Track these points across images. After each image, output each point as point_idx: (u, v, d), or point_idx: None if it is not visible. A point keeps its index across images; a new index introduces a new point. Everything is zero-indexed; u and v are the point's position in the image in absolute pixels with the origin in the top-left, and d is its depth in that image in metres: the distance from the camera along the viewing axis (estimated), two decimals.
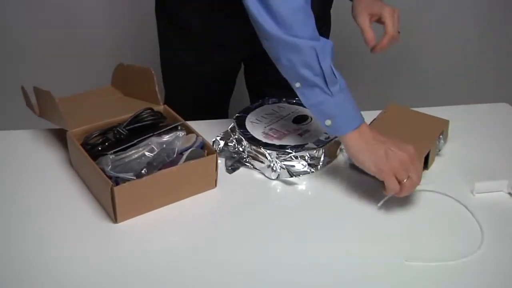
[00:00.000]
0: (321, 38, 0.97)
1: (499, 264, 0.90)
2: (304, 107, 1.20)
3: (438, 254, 0.90)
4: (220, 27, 1.22)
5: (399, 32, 1.16)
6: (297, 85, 0.98)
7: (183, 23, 1.25)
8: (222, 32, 1.23)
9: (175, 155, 1.00)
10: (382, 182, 0.96)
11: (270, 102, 1.23)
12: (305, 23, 0.95)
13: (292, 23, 0.94)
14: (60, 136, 1.13)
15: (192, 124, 1.08)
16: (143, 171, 0.97)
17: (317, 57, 0.95)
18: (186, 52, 1.30)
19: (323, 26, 1.24)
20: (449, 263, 0.89)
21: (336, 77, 0.97)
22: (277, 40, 0.95)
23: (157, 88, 1.12)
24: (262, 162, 1.08)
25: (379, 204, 0.99)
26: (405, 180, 0.94)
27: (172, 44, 1.32)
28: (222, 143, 1.13)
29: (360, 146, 0.97)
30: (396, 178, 0.95)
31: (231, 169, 1.09)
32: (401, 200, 1.01)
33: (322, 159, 1.09)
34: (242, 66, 1.43)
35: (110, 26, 1.98)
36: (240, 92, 1.50)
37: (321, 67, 0.95)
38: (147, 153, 1.01)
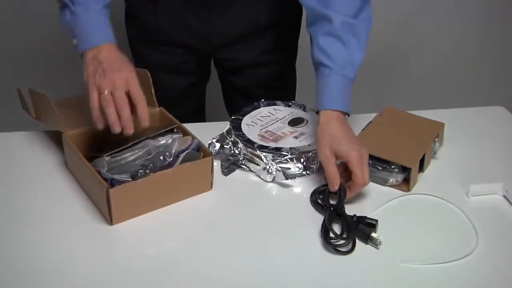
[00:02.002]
0: None
1: (493, 266, 0.90)
2: (300, 109, 1.21)
3: (433, 256, 0.90)
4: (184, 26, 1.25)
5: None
6: (59, 4, 1.06)
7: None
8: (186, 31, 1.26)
9: (171, 158, 1.00)
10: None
11: (265, 105, 1.23)
12: None
13: None
14: (55, 138, 1.13)
15: (188, 126, 1.08)
16: (138, 173, 0.97)
17: None
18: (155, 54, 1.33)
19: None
20: (444, 265, 0.89)
21: (80, 1, 1.02)
22: None
23: (153, 91, 1.12)
24: (257, 164, 1.08)
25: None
26: (105, 93, 0.97)
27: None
28: (218, 145, 1.13)
29: (89, 60, 1.01)
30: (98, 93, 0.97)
31: (227, 171, 1.09)
32: (397, 203, 1.02)
33: (317, 161, 1.09)
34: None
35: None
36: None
37: None
38: (143, 156, 1.01)
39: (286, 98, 1.25)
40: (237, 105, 1.39)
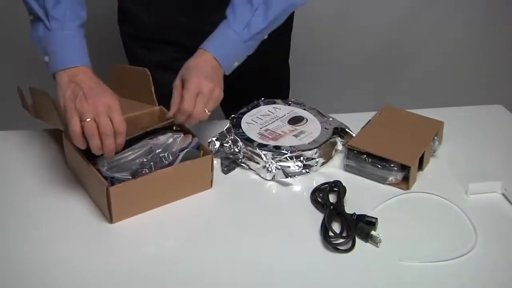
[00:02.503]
0: None
1: (492, 264, 0.91)
2: (300, 108, 1.21)
3: (433, 254, 0.91)
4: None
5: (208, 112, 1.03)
6: (30, 17, 1.01)
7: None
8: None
9: (171, 156, 1.00)
10: None
11: (265, 103, 1.23)
12: None
13: None
14: (56, 137, 1.14)
15: (188, 124, 1.08)
16: (138, 172, 0.97)
17: None
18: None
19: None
20: (443, 263, 0.90)
21: (57, 17, 0.98)
22: None
23: (153, 89, 1.12)
24: (257, 162, 1.08)
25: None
26: (88, 120, 0.91)
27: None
28: (217, 143, 1.13)
29: (64, 82, 0.96)
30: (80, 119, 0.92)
31: (227, 169, 1.09)
32: (396, 201, 1.02)
33: (317, 160, 1.09)
34: None
35: (105, 27, 1.99)
36: None
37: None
38: (143, 154, 1.01)
39: (280, 93, 1.26)
40: (231, 100, 1.39)
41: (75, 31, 1.00)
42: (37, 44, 1.00)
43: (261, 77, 1.37)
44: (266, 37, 1.12)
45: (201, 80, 1.01)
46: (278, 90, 1.37)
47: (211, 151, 1.04)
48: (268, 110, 1.21)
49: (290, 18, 1.36)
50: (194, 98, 1.01)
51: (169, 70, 1.32)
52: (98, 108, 0.91)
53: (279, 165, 1.06)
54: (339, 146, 1.14)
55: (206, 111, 1.02)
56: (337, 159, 1.13)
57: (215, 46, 1.07)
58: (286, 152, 1.07)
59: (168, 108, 1.13)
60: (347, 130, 1.16)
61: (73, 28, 1.00)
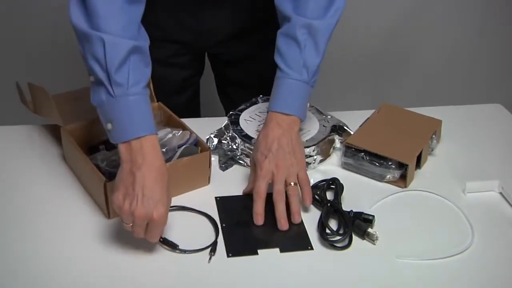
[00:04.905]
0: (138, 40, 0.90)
1: (489, 262, 0.91)
2: None
3: (429, 252, 0.91)
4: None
5: (293, 184, 0.97)
6: (91, 79, 0.90)
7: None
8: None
9: (169, 152, 1.01)
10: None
11: (264, 100, 1.23)
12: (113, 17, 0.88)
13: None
14: (54, 132, 1.14)
15: (186, 121, 1.09)
16: None
17: (104, 50, 0.86)
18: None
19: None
20: (440, 261, 0.90)
21: (120, 82, 0.87)
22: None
23: (151, 86, 1.12)
24: None
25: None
26: (125, 224, 0.86)
27: None
28: (216, 140, 1.13)
29: (126, 159, 0.87)
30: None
31: (224, 166, 1.09)
32: (393, 199, 1.02)
33: (315, 157, 1.09)
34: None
35: None
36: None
37: (106, 63, 0.86)
38: None
39: None
40: (231, 97, 1.40)
41: (140, 94, 0.89)
42: (98, 109, 0.90)
43: (261, 75, 1.37)
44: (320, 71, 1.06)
45: (268, 156, 0.97)
46: None
47: (209, 148, 1.04)
48: (267, 107, 1.20)
49: None
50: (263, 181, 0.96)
51: (170, 66, 1.32)
52: (140, 220, 0.85)
53: None
54: (337, 144, 1.15)
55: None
56: (335, 157, 1.13)
57: (286, 104, 1.02)
58: None
59: (167, 105, 1.13)
60: (345, 127, 1.16)
61: (138, 91, 0.88)
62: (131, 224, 0.86)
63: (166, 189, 0.87)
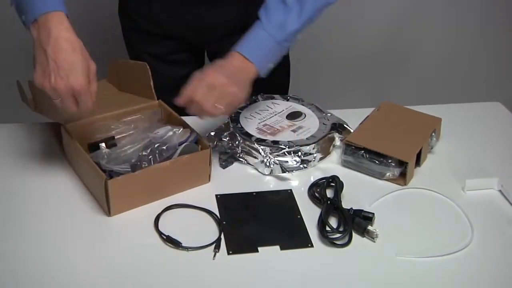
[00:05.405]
0: None
1: (488, 259, 0.91)
2: (298, 103, 1.21)
3: (429, 249, 0.91)
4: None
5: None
6: None
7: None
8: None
9: (169, 150, 1.01)
10: None
11: (264, 99, 1.23)
12: None
13: None
14: (55, 130, 1.14)
15: (187, 119, 1.09)
16: (137, 165, 0.97)
17: None
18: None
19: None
20: (439, 258, 0.90)
21: None
22: None
23: (152, 84, 1.13)
24: (255, 157, 1.08)
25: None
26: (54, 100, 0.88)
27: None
28: (216, 138, 1.13)
29: (36, 38, 0.89)
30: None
31: (225, 164, 1.10)
32: (393, 196, 1.02)
33: (315, 155, 1.09)
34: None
35: (105, 21, 1.99)
36: None
37: None
38: (142, 148, 1.01)
39: (280, 86, 1.25)
40: None
41: None
42: (15, 8, 0.94)
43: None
44: (300, 37, 1.10)
45: (217, 74, 1.01)
46: (277, 86, 1.37)
47: (210, 145, 1.04)
48: (267, 105, 1.21)
49: None
50: (204, 90, 1.00)
51: (168, 62, 1.32)
52: (63, 93, 0.87)
53: (277, 160, 1.07)
54: (337, 142, 1.15)
55: (219, 107, 1.00)
56: (335, 155, 1.14)
57: (248, 48, 1.05)
58: (284, 147, 1.08)
59: (168, 103, 1.13)
60: (345, 125, 1.17)
61: None
62: (60, 99, 0.87)
63: (81, 59, 0.87)
